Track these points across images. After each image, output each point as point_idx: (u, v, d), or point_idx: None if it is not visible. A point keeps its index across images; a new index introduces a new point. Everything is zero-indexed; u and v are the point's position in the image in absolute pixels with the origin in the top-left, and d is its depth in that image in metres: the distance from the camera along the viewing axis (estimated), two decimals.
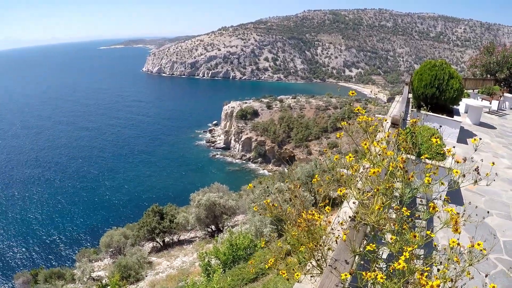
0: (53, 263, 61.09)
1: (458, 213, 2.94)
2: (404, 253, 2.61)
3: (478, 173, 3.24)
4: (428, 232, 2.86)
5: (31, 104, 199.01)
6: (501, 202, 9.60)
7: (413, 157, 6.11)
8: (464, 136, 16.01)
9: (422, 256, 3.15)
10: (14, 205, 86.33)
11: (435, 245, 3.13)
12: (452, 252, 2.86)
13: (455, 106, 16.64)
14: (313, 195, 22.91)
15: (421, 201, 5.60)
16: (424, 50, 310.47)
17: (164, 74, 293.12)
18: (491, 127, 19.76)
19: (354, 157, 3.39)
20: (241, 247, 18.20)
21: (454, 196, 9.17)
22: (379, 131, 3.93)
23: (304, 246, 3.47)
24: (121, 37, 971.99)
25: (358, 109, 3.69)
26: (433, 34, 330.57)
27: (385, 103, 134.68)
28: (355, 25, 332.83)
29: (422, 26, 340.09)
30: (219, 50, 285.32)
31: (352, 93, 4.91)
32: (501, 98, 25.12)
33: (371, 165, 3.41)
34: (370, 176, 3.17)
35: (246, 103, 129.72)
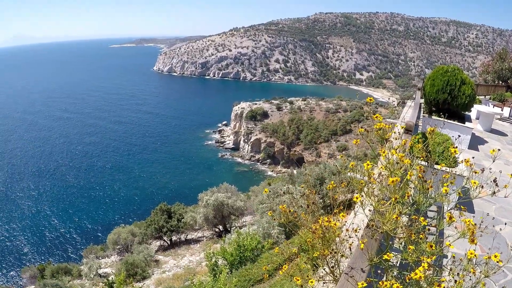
0: (60, 259, 61.61)
1: (475, 224, 2.92)
2: (422, 264, 2.59)
3: (496, 184, 3.21)
4: (448, 244, 2.84)
5: (43, 100, 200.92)
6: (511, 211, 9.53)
7: (425, 163, 6.07)
8: (475, 142, 15.92)
9: (435, 265, 3.12)
10: (24, 199, 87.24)
11: (453, 255, 3.11)
12: (468, 263, 2.84)
13: (466, 112, 16.53)
14: (321, 198, 22.85)
15: (432, 210, 5.58)
16: (435, 55, 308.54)
17: (174, 74, 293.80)
18: (503, 134, 19.61)
19: (371, 164, 3.38)
20: (249, 248, 18.17)
21: (465, 203, 9.10)
22: (395, 138, 3.90)
23: (318, 252, 3.46)
24: (133, 36, 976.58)
25: (377, 116, 3.67)
26: (445, 39, 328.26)
27: (395, 107, 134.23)
28: (366, 29, 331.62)
29: (434, 30, 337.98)
30: (230, 50, 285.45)
31: (370, 100, 4.87)
32: None
33: (389, 173, 3.39)
34: (388, 184, 3.16)
35: (256, 104, 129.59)
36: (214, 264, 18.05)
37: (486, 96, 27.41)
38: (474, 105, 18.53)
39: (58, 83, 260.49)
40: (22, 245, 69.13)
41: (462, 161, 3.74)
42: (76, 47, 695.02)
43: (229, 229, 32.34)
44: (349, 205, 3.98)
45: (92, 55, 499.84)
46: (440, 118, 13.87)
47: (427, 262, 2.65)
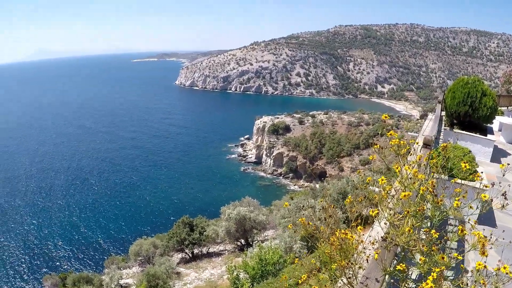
0: (82, 268, 62.88)
1: (485, 237, 3.00)
2: (432, 274, 2.68)
3: (505, 198, 3.28)
4: (455, 254, 2.92)
5: (68, 114, 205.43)
6: None
7: (446, 177, 6.10)
8: (498, 155, 15.74)
9: (450, 278, 3.20)
10: (50, 209, 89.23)
11: (461, 267, 3.18)
12: (479, 275, 2.92)
13: (488, 124, 16.40)
14: (343, 212, 22.77)
15: (451, 223, 5.62)
16: (457, 65, 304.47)
17: (196, 88, 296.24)
18: None
19: (386, 179, 3.48)
20: (270, 262, 18.18)
21: (487, 217, 9.05)
22: (411, 154, 4.01)
23: (336, 264, 3.57)
24: (155, 50, 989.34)
25: (391, 134, 3.76)
26: (466, 49, 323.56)
27: (417, 119, 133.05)
28: (386, 40, 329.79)
29: (455, 41, 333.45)
30: (251, 64, 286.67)
31: (386, 117, 4.98)
32: None
33: (402, 188, 3.49)
34: (401, 198, 3.26)
35: (278, 118, 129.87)
36: (236, 278, 18.11)
37: (509, 107, 27.03)
38: (496, 117, 18.32)
39: (85, 96, 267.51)
40: (44, 253, 70.78)
41: (474, 176, 3.83)
42: (99, 62, 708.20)
43: (251, 243, 32.30)
44: (367, 221, 4.09)
45: (116, 69, 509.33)
46: (462, 131, 13.83)
47: (436, 272, 2.74)
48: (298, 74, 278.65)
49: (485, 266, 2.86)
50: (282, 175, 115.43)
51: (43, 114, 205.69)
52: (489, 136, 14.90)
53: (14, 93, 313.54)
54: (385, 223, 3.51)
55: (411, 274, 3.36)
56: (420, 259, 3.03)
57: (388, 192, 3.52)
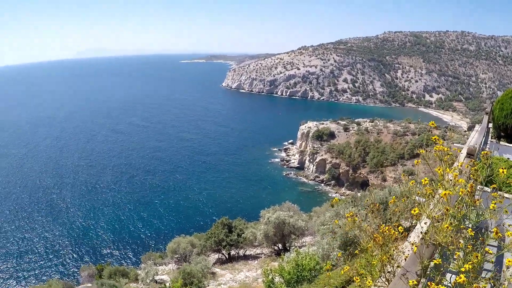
0: (121, 260, 65.02)
1: None
2: (465, 265, 2.76)
3: None
4: (487, 249, 2.98)
5: (118, 111, 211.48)
6: None
7: (488, 190, 5.93)
8: None
9: (489, 278, 3.22)
10: (96, 203, 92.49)
11: (492, 261, 3.24)
12: (510, 275, 3.06)
13: None
14: (383, 222, 22.34)
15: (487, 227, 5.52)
16: (508, 76, 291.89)
17: (242, 90, 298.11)
18: None
19: (429, 183, 3.52)
20: (307, 268, 18.03)
21: None
22: (453, 161, 3.98)
23: (376, 260, 3.77)
24: (203, 52, 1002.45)
25: (436, 138, 3.78)
26: None
27: (465, 131, 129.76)
28: (436, 48, 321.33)
29: (507, 50, 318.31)
30: (298, 69, 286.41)
31: (433, 124, 4.93)
32: None
33: (444, 190, 3.52)
34: (441, 198, 3.43)
35: (323, 124, 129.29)
36: (271, 281, 18.05)
37: None
38: None
39: (136, 94, 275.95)
40: (83, 244, 73.39)
41: None
42: (148, 61, 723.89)
43: (288, 248, 32.27)
44: (407, 232, 4.22)
45: (164, 70, 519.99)
46: (507, 144, 13.37)
47: (470, 264, 2.93)
48: (345, 80, 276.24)
49: None
50: (324, 182, 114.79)
51: (93, 110, 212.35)
52: None
53: (61, 89, 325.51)
54: (425, 223, 3.62)
55: (445, 273, 3.38)
56: (456, 254, 3.22)
57: (431, 194, 3.59)
